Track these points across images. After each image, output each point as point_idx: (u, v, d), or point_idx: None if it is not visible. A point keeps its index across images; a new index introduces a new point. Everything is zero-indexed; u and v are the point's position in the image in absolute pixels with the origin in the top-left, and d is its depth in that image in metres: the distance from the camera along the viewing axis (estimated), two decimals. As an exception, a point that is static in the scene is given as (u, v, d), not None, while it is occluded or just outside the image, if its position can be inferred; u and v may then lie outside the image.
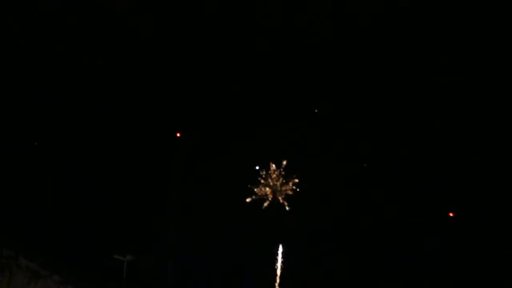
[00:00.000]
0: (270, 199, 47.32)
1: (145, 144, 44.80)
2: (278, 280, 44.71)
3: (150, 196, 44.64)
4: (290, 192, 47.05)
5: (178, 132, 46.64)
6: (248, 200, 47.44)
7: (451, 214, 44.43)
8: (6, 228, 35.36)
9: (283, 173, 47.25)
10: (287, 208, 46.92)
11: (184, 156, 46.55)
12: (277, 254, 45.81)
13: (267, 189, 47.28)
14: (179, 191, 46.24)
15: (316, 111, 47.67)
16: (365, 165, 46.35)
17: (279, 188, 47.20)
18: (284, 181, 47.16)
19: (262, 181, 47.33)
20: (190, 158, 46.57)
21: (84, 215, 40.83)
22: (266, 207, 47.41)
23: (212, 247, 45.19)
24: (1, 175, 39.45)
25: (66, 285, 35.43)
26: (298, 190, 46.73)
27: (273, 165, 47.00)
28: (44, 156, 42.05)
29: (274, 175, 47.34)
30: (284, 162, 47.09)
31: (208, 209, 45.79)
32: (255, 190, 46.96)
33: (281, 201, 46.94)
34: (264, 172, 47.21)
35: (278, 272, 44.92)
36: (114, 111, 44.39)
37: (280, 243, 45.70)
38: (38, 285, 33.73)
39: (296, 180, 46.99)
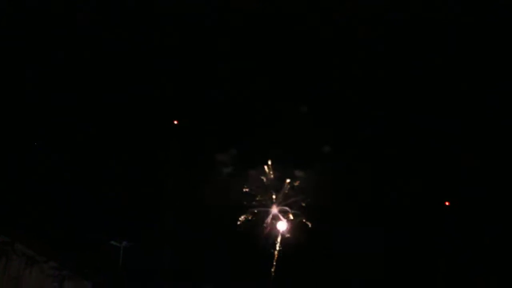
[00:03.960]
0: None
1: (142, 131, 44.73)
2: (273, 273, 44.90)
3: (147, 182, 44.64)
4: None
5: (175, 119, 46.63)
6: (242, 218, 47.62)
7: (447, 203, 44.57)
8: (2, 214, 35.25)
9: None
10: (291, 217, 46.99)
11: (181, 143, 46.53)
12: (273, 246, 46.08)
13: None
14: (176, 177, 46.27)
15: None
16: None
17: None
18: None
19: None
20: (187, 145, 46.57)
21: (80, 201, 40.84)
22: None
23: (209, 234, 45.34)
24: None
25: (62, 271, 35.44)
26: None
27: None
28: (38, 144, 42.01)
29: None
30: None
31: (206, 195, 45.88)
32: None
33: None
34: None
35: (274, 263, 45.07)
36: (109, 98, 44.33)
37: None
38: (34, 271, 33.71)
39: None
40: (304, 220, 46.63)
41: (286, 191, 47.42)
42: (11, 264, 32.64)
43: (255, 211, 47.84)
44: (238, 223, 46.85)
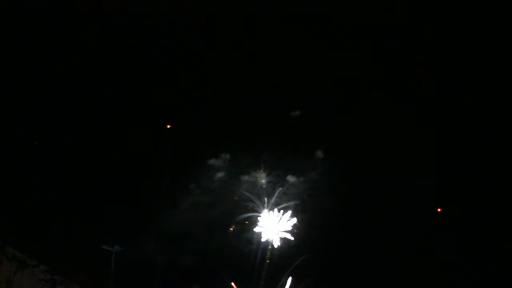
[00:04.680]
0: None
1: (136, 135, 44.62)
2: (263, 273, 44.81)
3: (139, 187, 44.53)
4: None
5: (168, 124, 46.53)
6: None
7: (439, 210, 44.70)
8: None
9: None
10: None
11: (173, 148, 46.44)
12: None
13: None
14: (168, 181, 46.17)
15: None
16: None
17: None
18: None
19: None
20: (180, 150, 46.48)
21: (72, 207, 40.65)
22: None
23: (200, 238, 45.23)
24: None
25: (53, 275, 35.25)
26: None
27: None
28: (29, 146, 41.75)
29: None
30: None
31: (197, 200, 45.80)
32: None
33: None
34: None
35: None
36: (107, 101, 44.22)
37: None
38: (25, 274, 33.50)
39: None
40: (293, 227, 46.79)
41: (277, 198, 47.52)
42: (2, 268, 32.48)
43: (246, 217, 47.89)
44: (230, 229, 46.85)
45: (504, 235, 42.36)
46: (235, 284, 45.05)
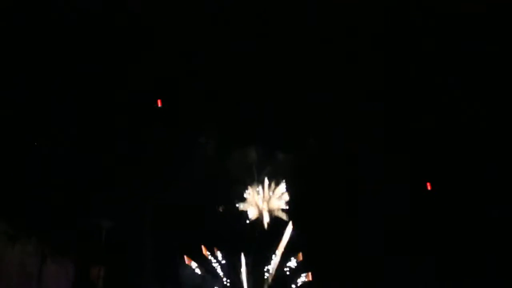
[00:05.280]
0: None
1: (125, 110, 44.35)
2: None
3: (129, 161, 44.40)
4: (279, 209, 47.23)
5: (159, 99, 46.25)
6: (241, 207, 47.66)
7: (428, 186, 44.94)
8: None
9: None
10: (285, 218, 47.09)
11: (163, 125, 46.29)
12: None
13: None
14: (158, 156, 46.09)
15: None
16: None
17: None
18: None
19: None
20: (170, 127, 46.34)
21: (62, 180, 40.43)
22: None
23: (192, 211, 45.41)
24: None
25: (44, 249, 35.24)
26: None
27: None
28: (21, 120, 41.30)
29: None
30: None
31: (188, 175, 45.85)
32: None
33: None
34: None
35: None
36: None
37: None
38: (16, 249, 33.44)
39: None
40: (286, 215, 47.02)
41: (272, 186, 47.70)
42: (-8, 242, 32.30)
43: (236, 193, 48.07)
44: (220, 209, 47.05)
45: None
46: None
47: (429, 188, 44.57)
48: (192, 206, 45.20)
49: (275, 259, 44.87)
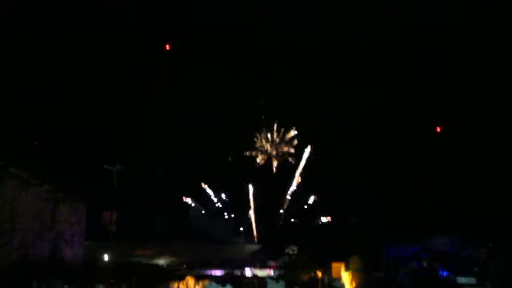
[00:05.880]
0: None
1: (134, 56, 43.96)
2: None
3: (138, 107, 44.32)
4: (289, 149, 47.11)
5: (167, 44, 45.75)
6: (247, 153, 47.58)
7: (438, 129, 44.88)
8: (-4, 138, 34.89)
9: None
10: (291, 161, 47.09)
11: (170, 68, 45.94)
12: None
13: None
14: (166, 101, 45.92)
15: None
16: None
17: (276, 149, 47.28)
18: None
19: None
20: (177, 70, 46.01)
21: (74, 127, 40.51)
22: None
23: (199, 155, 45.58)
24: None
25: (57, 194, 35.46)
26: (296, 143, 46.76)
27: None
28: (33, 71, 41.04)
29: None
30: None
31: (194, 117, 45.75)
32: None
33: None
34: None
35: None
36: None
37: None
38: (29, 194, 33.62)
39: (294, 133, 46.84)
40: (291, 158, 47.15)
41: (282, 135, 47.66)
42: (6, 188, 32.44)
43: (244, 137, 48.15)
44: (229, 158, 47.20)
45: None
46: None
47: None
48: (199, 149, 45.39)
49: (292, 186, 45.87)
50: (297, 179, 46.39)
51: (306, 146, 47.07)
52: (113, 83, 43.23)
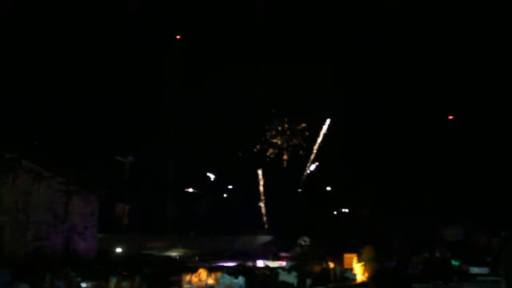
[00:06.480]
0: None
1: (145, 46, 43.96)
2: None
3: (149, 99, 44.38)
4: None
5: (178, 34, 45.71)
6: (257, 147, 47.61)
7: (450, 117, 44.71)
8: (8, 131, 35.05)
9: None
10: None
11: (181, 58, 45.92)
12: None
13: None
14: (177, 93, 45.97)
15: None
16: None
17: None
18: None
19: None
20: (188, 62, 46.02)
21: (86, 119, 40.64)
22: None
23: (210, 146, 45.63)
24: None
25: (69, 186, 35.62)
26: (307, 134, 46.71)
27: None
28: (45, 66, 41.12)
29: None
30: None
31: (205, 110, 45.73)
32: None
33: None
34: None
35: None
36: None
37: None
38: (42, 186, 33.85)
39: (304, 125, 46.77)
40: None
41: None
42: (19, 180, 32.68)
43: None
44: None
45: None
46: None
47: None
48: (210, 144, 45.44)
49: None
50: (312, 162, 46.59)
51: (317, 138, 47.05)
52: (124, 75, 43.29)
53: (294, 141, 47.17)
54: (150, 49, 44.30)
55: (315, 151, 45.80)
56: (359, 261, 33.08)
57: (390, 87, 44.83)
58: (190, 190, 47.26)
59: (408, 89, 44.67)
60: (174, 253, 41.31)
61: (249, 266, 35.45)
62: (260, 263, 37.31)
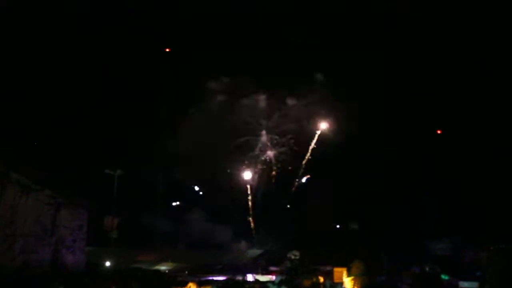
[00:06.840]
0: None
1: (135, 60, 43.99)
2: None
3: (140, 111, 44.30)
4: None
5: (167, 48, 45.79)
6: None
7: (439, 132, 44.87)
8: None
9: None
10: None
11: (172, 72, 45.94)
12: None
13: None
14: (168, 107, 45.94)
15: None
16: None
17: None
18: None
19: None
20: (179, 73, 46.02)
21: (75, 132, 40.47)
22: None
23: (200, 161, 45.48)
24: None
25: (58, 199, 35.39)
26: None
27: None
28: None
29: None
30: None
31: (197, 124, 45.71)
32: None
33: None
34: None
35: None
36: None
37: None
38: (30, 199, 33.62)
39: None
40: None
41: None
42: (6, 193, 32.47)
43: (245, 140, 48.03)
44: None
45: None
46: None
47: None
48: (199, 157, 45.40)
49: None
50: (302, 175, 46.65)
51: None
52: (115, 88, 43.22)
53: (282, 154, 47.16)
54: (142, 62, 44.32)
55: (304, 163, 45.74)
56: (348, 275, 33.05)
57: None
58: (178, 203, 47.07)
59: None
60: (163, 267, 41.07)
61: (238, 281, 35.28)
62: (249, 277, 37.12)
